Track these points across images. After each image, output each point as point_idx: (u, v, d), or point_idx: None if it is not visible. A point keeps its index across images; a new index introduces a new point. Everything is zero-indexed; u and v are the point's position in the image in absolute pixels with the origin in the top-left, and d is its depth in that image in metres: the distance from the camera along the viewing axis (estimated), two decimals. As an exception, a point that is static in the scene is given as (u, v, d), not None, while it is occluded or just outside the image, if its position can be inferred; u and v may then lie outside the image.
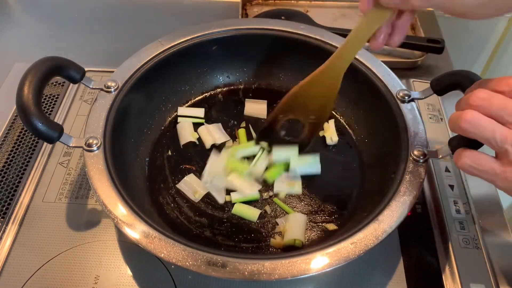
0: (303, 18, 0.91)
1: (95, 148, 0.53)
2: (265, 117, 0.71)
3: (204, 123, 0.71)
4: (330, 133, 0.68)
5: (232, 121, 0.72)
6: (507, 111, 0.39)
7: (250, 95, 0.75)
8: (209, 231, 0.58)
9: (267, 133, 0.63)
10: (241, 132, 0.69)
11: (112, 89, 0.59)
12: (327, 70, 0.55)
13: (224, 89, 0.76)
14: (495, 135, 0.39)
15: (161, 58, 0.65)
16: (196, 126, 0.70)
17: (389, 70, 0.64)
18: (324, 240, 0.57)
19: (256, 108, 0.73)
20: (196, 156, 0.67)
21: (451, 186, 0.64)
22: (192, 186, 0.62)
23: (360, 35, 0.48)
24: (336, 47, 0.66)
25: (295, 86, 0.59)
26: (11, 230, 0.59)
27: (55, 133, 0.50)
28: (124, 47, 0.69)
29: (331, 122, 0.70)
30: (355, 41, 0.49)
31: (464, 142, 0.47)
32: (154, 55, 0.65)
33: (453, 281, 0.55)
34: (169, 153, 0.67)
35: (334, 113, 0.73)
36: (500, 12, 0.41)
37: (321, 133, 0.69)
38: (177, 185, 0.62)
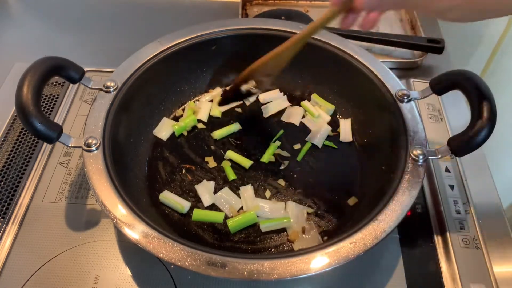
0: (303, 18, 0.91)
1: (94, 148, 0.53)
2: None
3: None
4: (345, 131, 0.70)
5: (232, 121, 0.72)
6: None
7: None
8: (208, 231, 0.58)
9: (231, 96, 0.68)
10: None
11: (111, 89, 0.59)
12: (294, 46, 0.57)
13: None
14: None
15: (160, 58, 0.65)
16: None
17: (389, 70, 0.64)
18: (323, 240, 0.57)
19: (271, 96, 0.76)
20: (196, 156, 0.67)
21: (451, 186, 0.64)
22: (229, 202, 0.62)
23: (325, 21, 0.53)
24: (336, 47, 0.68)
25: (262, 58, 0.61)
26: (11, 230, 0.59)
27: (54, 133, 0.50)
28: (124, 47, 0.69)
29: (348, 121, 0.71)
30: (323, 23, 0.53)
31: None
32: (153, 55, 0.65)
33: (453, 281, 0.55)
34: (169, 153, 0.67)
35: (335, 113, 0.73)
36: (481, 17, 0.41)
37: (336, 131, 0.70)
38: (215, 202, 0.61)
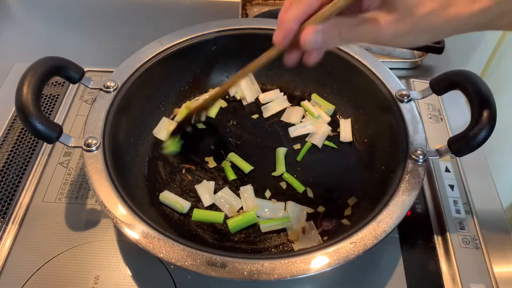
0: (303, 18, 0.91)
1: (94, 148, 0.53)
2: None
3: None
4: (345, 131, 0.70)
5: (232, 121, 0.72)
6: None
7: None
8: (208, 231, 0.58)
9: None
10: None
11: (111, 89, 0.59)
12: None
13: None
14: None
15: (161, 58, 0.65)
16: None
17: (389, 70, 0.64)
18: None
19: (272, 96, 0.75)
20: (196, 156, 0.67)
21: (451, 186, 0.64)
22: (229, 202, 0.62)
23: (266, 60, 0.54)
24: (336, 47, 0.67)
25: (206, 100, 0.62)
26: (11, 230, 0.59)
27: (54, 133, 0.50)
28: (124, 47, 0.69)
29: (348, 121, 0.71)
30: (263, 62, 0.55)
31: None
32: (153, 55, 0.65)
33: (453, 281, 0.55)
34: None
35: (335, 113, 0.73)
36: (427, 38, 0.40)
37: (336, 131, 0.70)
38: (215, 202, 0.62)
